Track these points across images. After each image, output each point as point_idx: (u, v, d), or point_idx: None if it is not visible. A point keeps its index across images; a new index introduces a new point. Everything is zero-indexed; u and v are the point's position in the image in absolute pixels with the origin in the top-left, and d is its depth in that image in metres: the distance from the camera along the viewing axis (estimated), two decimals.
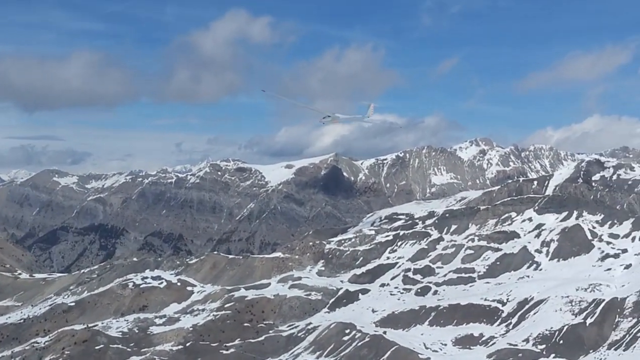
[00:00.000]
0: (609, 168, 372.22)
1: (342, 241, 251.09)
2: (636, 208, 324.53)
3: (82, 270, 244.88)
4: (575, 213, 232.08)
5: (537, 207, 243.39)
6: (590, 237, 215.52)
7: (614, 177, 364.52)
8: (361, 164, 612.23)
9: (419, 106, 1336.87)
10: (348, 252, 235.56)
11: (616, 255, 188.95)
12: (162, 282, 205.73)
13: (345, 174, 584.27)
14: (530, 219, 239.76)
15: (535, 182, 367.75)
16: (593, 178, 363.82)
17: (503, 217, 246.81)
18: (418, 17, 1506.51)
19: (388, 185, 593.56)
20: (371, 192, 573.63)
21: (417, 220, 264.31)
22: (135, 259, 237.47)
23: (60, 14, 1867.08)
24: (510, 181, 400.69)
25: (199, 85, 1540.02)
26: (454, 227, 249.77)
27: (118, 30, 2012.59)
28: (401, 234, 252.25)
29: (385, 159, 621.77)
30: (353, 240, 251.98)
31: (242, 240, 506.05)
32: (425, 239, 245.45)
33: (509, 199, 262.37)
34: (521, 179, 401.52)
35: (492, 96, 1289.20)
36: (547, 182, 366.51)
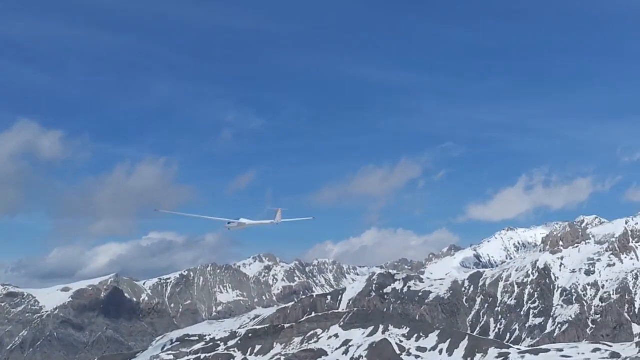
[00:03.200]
0: (399, 280, 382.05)
1: None
2: (428, 319, 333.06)
3: None
4: (381, 327, 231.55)
5: (342, 323, 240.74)
6: (398, 352, 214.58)
7: (405, 289, 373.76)
8: (143, 284, 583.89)
9: (201, 223, 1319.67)
10: None
11: None
12: None
13: (127, 295, 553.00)
14: (336, 335, 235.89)
15: (329, 297, 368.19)
16: (385, 291, 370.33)
17: (308, 334, 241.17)
18: (216, 132, 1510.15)
19: (173, 305, 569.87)
20: (155, 314, 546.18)
21: (218, 342, 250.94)
22: None
23: None
24: (304, 297, 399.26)
25: None
26: (258, 347, 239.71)
27: None
28: (202, 357, 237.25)
29: (169, 278, 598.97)
30: None
31: None
32: None
33: (313, 315, 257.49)
34: (314, 294, 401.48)
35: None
36: (340, 296, 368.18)
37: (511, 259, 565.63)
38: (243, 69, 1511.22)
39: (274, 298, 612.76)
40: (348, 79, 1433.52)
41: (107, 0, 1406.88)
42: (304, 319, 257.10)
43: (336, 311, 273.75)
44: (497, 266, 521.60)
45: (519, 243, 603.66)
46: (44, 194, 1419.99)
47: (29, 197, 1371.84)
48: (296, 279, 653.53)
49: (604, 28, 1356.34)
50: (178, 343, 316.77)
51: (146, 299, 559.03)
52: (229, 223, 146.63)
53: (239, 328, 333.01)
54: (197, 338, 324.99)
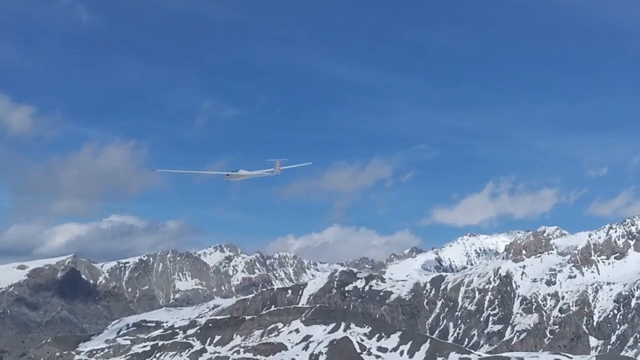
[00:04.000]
0: (361, 279, 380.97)
1: (94, 351, 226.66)
2: (388, 319, 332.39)
3: None
4: (343, 325, 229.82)
5: (304, 318, 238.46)
6: (359, 350, 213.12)
7: (366, 288, 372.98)
8: (101, 266, 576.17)
9: (165, 209, 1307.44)
10: None
11: None
12: None
13: (84, 276, 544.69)
14: (297, 330, 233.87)
15: (290, 291, 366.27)
16: (346, 288, 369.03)
17: (269, 327, 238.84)
18: (188, 119, 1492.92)
19: (130, 289, 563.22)
20: (111, 297, 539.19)
21: (177, 330, 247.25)
22: None
23: None
24: (264, 289, 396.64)
25: None
26: (217, 337, 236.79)
27: None
28: (160, 344, 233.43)
29: (128, 263, 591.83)
30: (106, 350, 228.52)
31: None
32: (187, 350, 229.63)
33: (275, 309, 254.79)
34: (275, 287, 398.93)
35: (241, 203, 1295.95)
36: (301, 291, 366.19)
37: (472, 264, 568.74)
38: (218, 59, 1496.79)
39: (233, 289, 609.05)
40: (323, 76, 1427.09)
41: None
42: (265, 311, 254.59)
43: (298, 306, 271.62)
44: (457, 271, 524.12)
45: (480, 249, 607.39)
46: (7, 169, 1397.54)
47: None
48: (256, 270, 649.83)
49: (580, 43, 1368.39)
50: (134, 328, 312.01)
51: (103, 281, 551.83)
52: (227, 175, 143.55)
53: (197, 317, 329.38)
54: (154, 324, 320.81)
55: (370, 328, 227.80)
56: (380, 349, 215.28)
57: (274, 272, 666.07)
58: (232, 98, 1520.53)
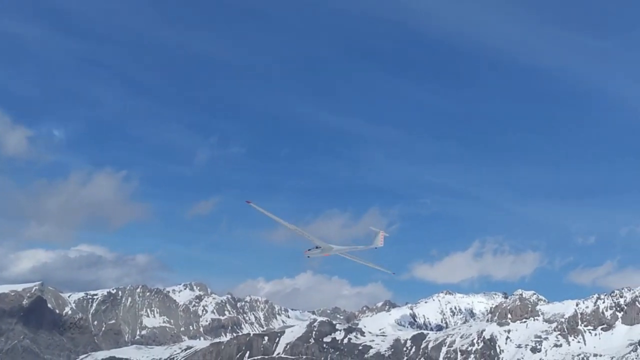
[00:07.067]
0: (340, 331, 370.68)
1: None
2: None
3: None
4: None
5: None
6: None
7: (345, 340, 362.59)
8: (69, 297, 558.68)
9: (134, 242, 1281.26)
10: None
11: None
12: None
13: (50, 306, 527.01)
14: None
15: (266, 338, 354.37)
16: (325, 339, 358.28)
17: None
18: (190, 152, 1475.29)
19: (96, 322, 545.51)
20: (77, 329, 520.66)
21: None
22: None
23: None
24: (240, 334, 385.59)
25: None
26: None
27: None
28: None
29: (96, 294, 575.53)
30: None
31: None
32: None
33: (260, 357, 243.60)
34: (251, 333, 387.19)
35: (217, 242, 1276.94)
36: (278, 338, 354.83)
37: (447, 322, 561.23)
38: (211, 96, 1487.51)
39: (202, 329, 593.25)
40: (314, 124, 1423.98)
41: (71, 5, 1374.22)
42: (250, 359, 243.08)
43: (282, 356, 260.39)
44: (432, 328, 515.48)
45: (455, 308, 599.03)
46: None
47: None
48: (226, 312, 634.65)
49: (569, 109, 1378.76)
50: None
51: (69, 312, 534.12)
52: (316, 249, 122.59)
53: (168, 358, 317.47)
54: None
55: None
56: None
57: (245, 315, 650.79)
58: (221, 138, 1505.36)
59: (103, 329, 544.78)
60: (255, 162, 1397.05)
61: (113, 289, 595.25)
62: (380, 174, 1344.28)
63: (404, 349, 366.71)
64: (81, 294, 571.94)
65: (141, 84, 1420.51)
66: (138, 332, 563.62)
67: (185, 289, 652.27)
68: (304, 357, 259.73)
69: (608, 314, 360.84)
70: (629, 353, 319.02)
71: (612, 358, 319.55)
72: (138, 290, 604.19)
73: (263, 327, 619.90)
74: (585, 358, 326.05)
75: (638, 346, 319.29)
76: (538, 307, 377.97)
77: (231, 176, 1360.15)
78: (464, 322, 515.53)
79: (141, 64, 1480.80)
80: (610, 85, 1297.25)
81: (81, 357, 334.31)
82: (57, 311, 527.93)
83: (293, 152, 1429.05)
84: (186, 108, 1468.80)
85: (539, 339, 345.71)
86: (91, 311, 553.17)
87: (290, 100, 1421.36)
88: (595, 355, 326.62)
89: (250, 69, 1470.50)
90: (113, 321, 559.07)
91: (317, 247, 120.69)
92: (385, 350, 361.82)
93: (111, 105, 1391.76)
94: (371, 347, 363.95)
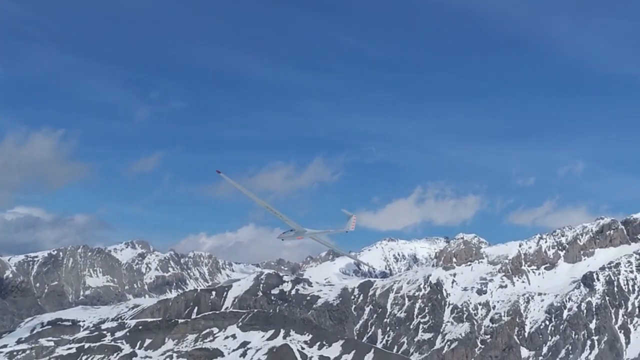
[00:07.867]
0: (287, 282, 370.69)
1: (15, 352, 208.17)
2: (315, 323, 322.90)
3: None
4: (282, 332, 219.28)
5: (241, 324, 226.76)
6: (300, 359, 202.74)
7: (293, 291, 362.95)
8: (9, 260, 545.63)
9: (74, 203, 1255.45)
10: None
11: None
12: None
13: None
14: (234, 336, 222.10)
15: (214, 293, 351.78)
16: (272, 292, 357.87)
17: (204, 332, 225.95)
18: (130, 109, 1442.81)
19: (38, 285, 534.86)
20: (19, 292, 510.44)
21: (104, 332, 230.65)
22: None
23: None
24: (188, 290, 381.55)
25: None
26: (148, 341, 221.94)
27: None
28: (86, 346, 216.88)
29: (36, 257, 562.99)
30: (28, 352, 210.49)
31: None
32: (115, 354, 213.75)
33: (211, 313, 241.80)
34: (198, 289, 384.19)
35: (158, 199, 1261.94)
36: (225, 293, 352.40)
37: (391, 269, 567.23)
38: (146, 52, 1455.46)
39: (146, 287, 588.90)
40: (247, 77, 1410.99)
41: None
42: (200, 315, 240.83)
43: (235, 311, 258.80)
44: (376, 275, 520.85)
45: (399, 254, 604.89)
46: None
47: None
48: (170, 269, 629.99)
49: (504, 51, 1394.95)
50: (50, 327, 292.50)
51: (10, 275, 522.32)
52: (291, 232, 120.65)
53: (117, 317, 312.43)
54: (70, 323, 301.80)
55: (310, 336, 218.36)
56: (322, 358, 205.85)
57: (189, 271, 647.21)
58: (162, 93, 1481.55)
59: (46, 291, 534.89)
60: (197, 116, 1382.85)
61: (54, 250, 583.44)
62: (322, 125, 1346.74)
63: (352, 297, 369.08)
64: (21, 257, 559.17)
65: (70, 41, 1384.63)
66: (82, 293, 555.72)
67: (127, 247, 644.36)
68: (254, 310, 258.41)
69: (550, 253, 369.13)
70: (572, 290, 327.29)
71: (556, 296, 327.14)
72: (79, 250, 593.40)
73: (208, 282, 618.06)
74: (530, 297, 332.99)
75: (580, 283, 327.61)
76: (482, 250, 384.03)
77: (173, 132, 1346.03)
78: (408, 268, 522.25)
79: (71, 22, 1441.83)
80: (545, 27, 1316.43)
81: (26, 320, 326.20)
82: None
83: (234, 106, 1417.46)
84: (122, 64, 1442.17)
85: (484, 281, 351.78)
86: (32, 273, 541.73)
87: (226, 54, 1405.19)
88: (539, 294, 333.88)
89: (183, 23, 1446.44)
90: (56, 283, 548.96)
91: (291, 230, 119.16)
92: (334, 300, 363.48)
93: (41, 62, 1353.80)
94: (319, 297, 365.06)
